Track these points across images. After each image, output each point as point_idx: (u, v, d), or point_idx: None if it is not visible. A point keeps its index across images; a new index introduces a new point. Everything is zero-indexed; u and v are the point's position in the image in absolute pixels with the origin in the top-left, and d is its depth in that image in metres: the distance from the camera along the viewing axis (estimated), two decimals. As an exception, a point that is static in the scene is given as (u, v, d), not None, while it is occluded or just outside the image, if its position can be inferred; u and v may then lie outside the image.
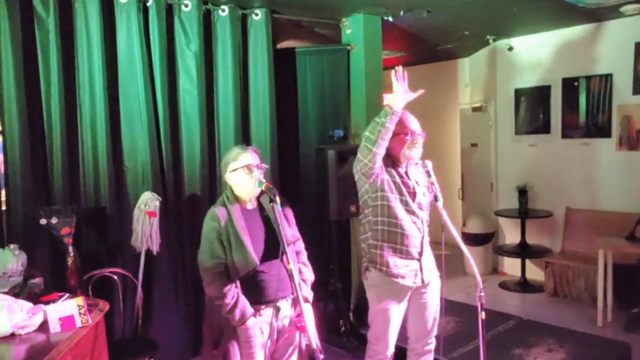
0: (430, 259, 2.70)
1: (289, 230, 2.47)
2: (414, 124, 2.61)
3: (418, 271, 2.62)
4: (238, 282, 2.32)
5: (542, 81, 5.42)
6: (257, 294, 2.35)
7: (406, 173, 2.64)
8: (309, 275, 2.56)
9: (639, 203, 4.67)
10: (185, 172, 3.64)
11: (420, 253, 2.64)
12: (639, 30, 4.67)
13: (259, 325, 2.35)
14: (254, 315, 2.32)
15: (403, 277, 2.59)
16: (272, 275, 2.36)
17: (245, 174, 2.37)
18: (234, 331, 2.32)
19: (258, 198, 2.49)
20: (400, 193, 2.57)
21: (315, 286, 2.60)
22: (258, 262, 2.31)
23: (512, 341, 3.66)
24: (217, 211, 2.37)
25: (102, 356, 2.38)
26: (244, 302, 2.30)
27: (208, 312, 2.45)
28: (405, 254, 2.59)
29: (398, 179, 2.59)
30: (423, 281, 2.64)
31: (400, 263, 2.58)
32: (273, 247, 2.38)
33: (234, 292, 2.29)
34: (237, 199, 2.42)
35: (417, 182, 2.65)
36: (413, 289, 2.63)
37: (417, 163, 2.66)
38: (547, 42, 5.34)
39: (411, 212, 2.59)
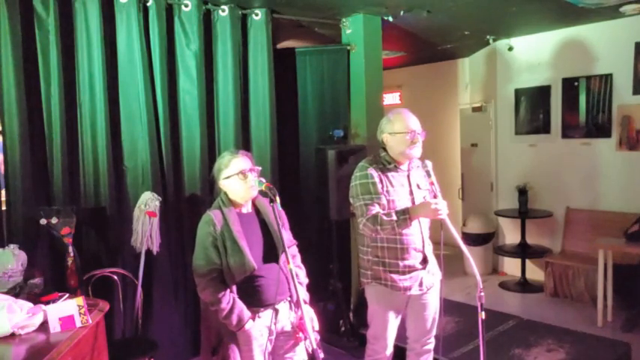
0: (433, 262, 2.69)
1: (286, 234, 2.45)
2: (413, 123, 2.59)
3: (423, 279, 2.62)
4: (234, 287, 2.31)
5: (542, 81, 5.42)
6: (257, 298, 2.34)
7: (408, 176, 2.62)
8: (304, 278, 2.55)
9: (639, 203, 4.67)
10: (185, 172, 3.65)
11: (424, 261, 2.63)
12: (639, 30, 4.67)
13: (258, 328, 2.33)
14: (252, 318, 2.30)
15: (410, 289, 2.59)
16: (271, 279, 2.35)
17: (239, 180, 2.35)
18: (233, 336, 2.31)
19: (253, 201, 2.48)
20: (400, 212, 2.49)
21: (314, 286, 2.60)
22: (256, 267, 2.29)
23: (512, 341, 3.66)
24: (213, 216, 2.33)
25: (102, 356, 2.38)
26: (241, 306, 2.28)
27: (204, 318, 2.43)
28: (410, 267, 2.58)
29: (395, 195, 2.55)
30: (427, 287, 2.64)
31: (405, 277, 2.57)
32: (271, 251, 2.38)
33: (229, 297, 2.27)
34: (232, 203, 2.40)
35: (417, 186, 2.64)
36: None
37: (417, 166, 2.65)
38: (547, 42, 5.34)
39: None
